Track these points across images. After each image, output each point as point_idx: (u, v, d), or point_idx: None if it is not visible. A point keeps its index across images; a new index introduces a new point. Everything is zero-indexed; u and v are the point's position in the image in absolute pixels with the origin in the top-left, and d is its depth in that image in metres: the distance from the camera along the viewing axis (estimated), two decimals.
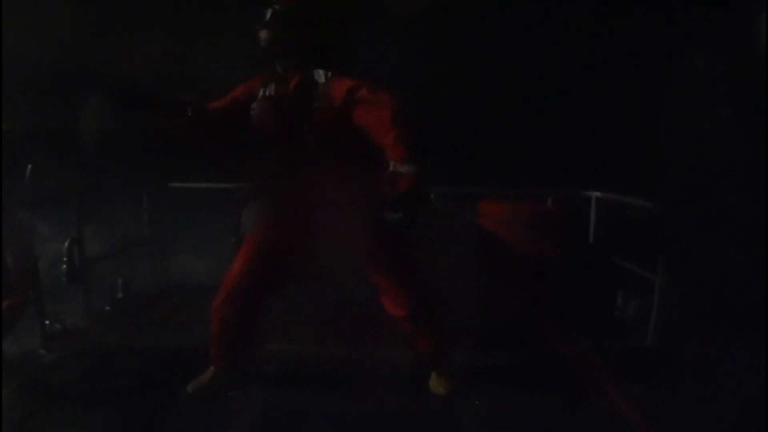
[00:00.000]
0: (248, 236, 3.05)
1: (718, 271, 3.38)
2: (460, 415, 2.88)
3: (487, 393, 3.04)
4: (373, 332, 3.26)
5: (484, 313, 3.64)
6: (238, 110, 2.78)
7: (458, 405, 2.94)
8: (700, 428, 2.62)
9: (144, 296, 4.81)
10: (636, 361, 3.53)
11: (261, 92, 2.75)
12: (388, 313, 2.92)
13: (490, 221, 4.31)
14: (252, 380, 3.13)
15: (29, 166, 3.53)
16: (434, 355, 3.06)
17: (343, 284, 3.26)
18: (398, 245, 2.85)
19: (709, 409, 2.69)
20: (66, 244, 3.82)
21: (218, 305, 2.94)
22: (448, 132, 7.16)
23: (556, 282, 4.05)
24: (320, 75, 2.66)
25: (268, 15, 2.67)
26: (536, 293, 3.90)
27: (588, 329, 3.84)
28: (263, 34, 2.68)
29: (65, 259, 3.80)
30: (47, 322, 3.63)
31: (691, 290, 3.53)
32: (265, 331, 3.34)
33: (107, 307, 4.32)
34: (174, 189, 5.21)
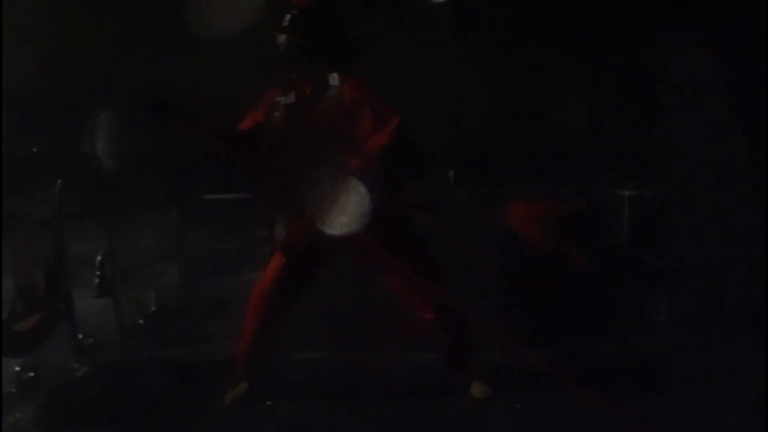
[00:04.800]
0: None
1: (719, 272, 3.28)
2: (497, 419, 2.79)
3: (526, 397, 2.93)
4: (403, 337, 3.20)
5: (510, 315, 3.51)
6: (261, 131, 2.80)
7: (496, 409, 2.85)
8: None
9: (176, 309, 4.84)
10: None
11: (282, 101, 2.76)
12: (417, 317, 2.86)
13: (517, 222, 4.22)
14: (283, 390, 3.08)
15: (59, 181, 3.56)
16: (467, 360, 2.98)
17: (370, 289, 3.21)
18: (418, 244, 2.84)
19: (710, 412, 2.60)
20: (98, 258, 3.85)
21: (249, 315, 2.95)
22: (480, 133, 7.09)
23: (581, 282, 3.96)
24: (334, 78, 2.69)
25: (287, 19, 2.69)
26: (561, 294, 3.82)
27: (615, 330, 3.80)
28: (282, 39, 2.71)
29: (98, 273, 3.82)
30: (80, 336, 3.64)
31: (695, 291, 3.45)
32: (294, 340, 3.32)
33: (140, 321, 4.35)
34: (203, 201, 5.24)
